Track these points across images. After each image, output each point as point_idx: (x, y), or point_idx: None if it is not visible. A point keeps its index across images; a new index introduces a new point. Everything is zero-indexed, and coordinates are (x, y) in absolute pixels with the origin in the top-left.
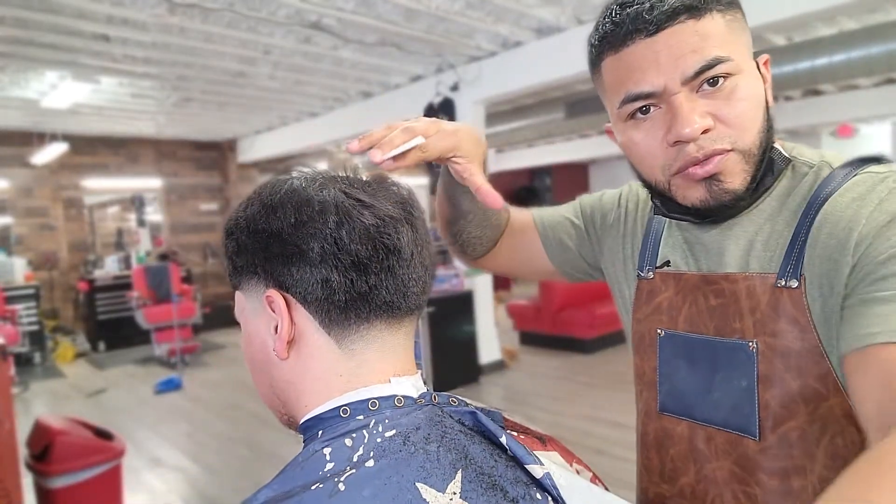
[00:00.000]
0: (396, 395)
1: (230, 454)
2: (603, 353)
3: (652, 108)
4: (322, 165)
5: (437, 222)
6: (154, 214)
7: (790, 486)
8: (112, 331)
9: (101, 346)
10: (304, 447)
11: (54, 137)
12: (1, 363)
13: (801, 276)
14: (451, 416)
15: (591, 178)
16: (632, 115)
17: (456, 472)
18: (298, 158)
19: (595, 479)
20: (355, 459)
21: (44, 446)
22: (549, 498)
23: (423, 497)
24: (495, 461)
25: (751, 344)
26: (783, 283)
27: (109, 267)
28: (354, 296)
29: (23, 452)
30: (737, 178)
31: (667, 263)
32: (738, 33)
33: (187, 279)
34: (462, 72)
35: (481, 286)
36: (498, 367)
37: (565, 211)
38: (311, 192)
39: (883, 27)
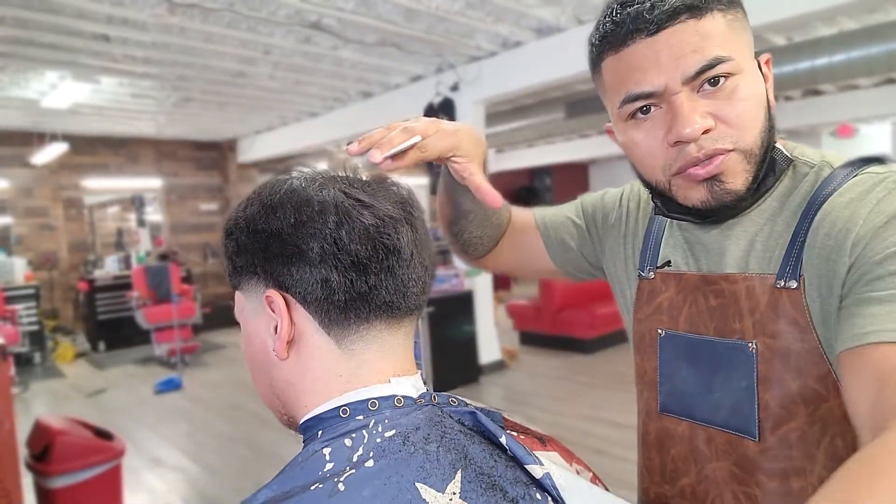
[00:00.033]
0: (396, 396)
1: (230, 454)
2: (603, 353)
3: (652, 108)
4: (322, 165)
5: (439, 222)
6: (154, 214)
7: (790, 487)
8: (112, 331)
9: (101, 346)
10: (303, 447)
11: (54, 137)
12: (1, 363)
13: (800, 276)
14: (450, 417)
15: (591, 178)
16: (632, 115)
17: (455, 473)
18: (298, 158)
19: (595, 479)
20: (355, 459)
21: (44, 446)
22: (549, 498)
23: (423, 497)
24: (495, 461)
25: (750, 345)
26: (782, 283)
27: (109, 267)
28: (354, 296)
29: (23, 452)
30: (738, 178)
31: (667, 263)
32: (739, 33)
33: (187, 279)
34: (462, 72)
35: (481, 286)
36: (498, 367)
37: (567, 210)
38: (310, 192)
39: (883, 27)
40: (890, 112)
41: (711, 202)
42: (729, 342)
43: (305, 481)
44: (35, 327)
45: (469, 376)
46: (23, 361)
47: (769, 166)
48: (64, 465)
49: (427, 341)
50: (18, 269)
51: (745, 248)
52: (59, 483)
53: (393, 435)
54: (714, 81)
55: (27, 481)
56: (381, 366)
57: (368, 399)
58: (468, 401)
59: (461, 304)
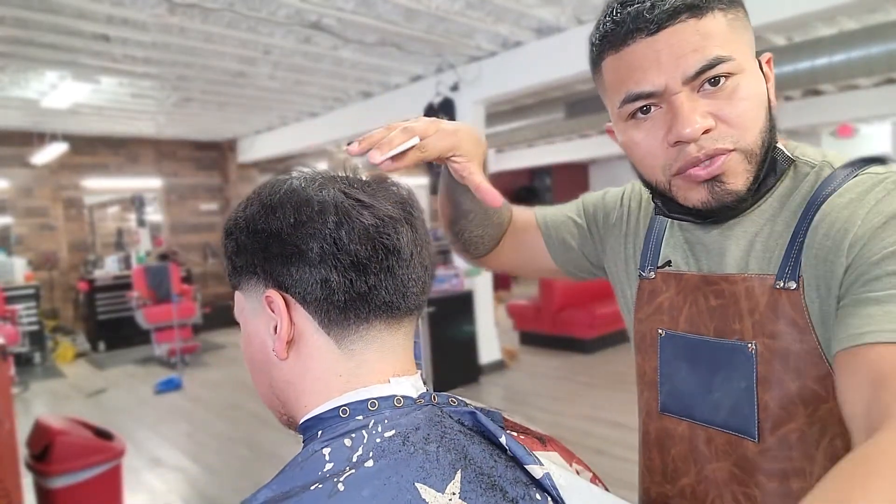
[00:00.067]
0: (396, 396)
1: (230, 454)
2: (603, 353)
3: (653, 108)
4: (322, 165)
5: (440, 221)
6: (154, 214)
7: (789, 487)
8: (112, 331)
9: (101, 346)
10: (303, 447)
11: (54, 137)
12: (1, 363)
13: (799, 277)
14: (450, 417)
15: (591, 178)
16: (632, 115)
17: (455, 473)
18: (298, 158)
19: (595, 479)
20: (354, 460)
21: (44, 446)
22: (549, 498)
23: (423, 497)
24: (495, 461)
25: (750, 345)
26: (781, 284)
27: (109, 267)
28: (354, 296)
29: (23, 452)
30: (739, 178)
31: (668, 263)
32: (739, 32)
33: (187, 279)
34: (462, 72)
35: (481, 286)
36: (498, 367)
37: (568, 210)
38: (310, 192)
39: (883, 27)
40: (890, 112)
41: (712, 203)
42: (728, 343)
43: (305, 481)
44: (35, 327)
45: (469, 376)
46: (23, 361)
47: (770, 166)
48: (64, 465)
49: (427, 341)
50: (18, 269)
51: (745, 248)
52: (59, 483)
53: (393, 435)
54: (714, 81)
55: (27, 481)
56: (381, 366)
57: (368, 399)
58: (468, 401)
59: (461, 304)
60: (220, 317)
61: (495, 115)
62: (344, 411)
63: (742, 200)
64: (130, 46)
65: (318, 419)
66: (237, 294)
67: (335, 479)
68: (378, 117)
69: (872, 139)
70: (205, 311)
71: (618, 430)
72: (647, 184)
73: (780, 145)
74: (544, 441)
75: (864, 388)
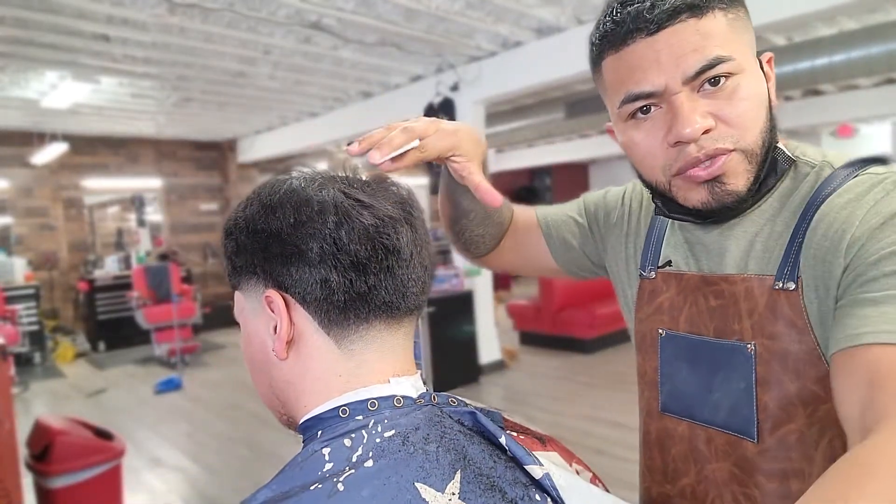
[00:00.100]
0: (396, 396)
1: (230, 454)
2: (603, 353)
3: (652, 108)
4: (322, 165)
5: (441, 221)
6: (154, 214)
7: (789, 488)
8: (112, 331)
9: (101, 346)
10: (303, 447)
11: (54, 137)
12: (1, 363)
13: (798, 278)
14: (450, 417)
15: (591, 178)
16: (632, 115)
17: (455, 473)
18: (298, 158)
19: (595, 479)
20: (354, 460)
21: (44, 446)
22: (549, 499)
23: (423, 497)
24: (494, 462)
25: (749, 346)
26: (780, 285)
27: (109, 267)
28: (353, 296)
29: (23, 452)
30: (739, 178)
31: (668, 263)
32: (740, 32)
33: (187, 279)
34: (462, 72)
35: (481, 286)
36: (498, 367)
37: (569, 209)
38: (310, 192)
39: (883, 27)
40: (890, 112)
41: (712, 203)
42: (728, 343)
43: (305, 481)
44: (35, 327)
45: (469, 376)
46: (23, 361)
47: (770, 166)
48: (64, 465)
49: (427, 341)
50: (18, 269)
51: (745, 248)
52: (59, 483)
53: (392, 435)
54: (714, 81)
55: (27, 481)
56: (381, 366)
57: (368, 399)
58: (468, 401)
59: (461, 304)
60: (220, 317)
61: (495, 115)
62: (344, 411)
63: (742, 201)
64: (130, 46)
65: (318, 419)
66: (237, 294)
67: (335, 479)
68: (378, 117)
69: (872, 139)
70: (205, 311)
71: (618, 430)
72: (647, 184)
73: (780, 145)
74: (544, 441)
75: (859, 389)
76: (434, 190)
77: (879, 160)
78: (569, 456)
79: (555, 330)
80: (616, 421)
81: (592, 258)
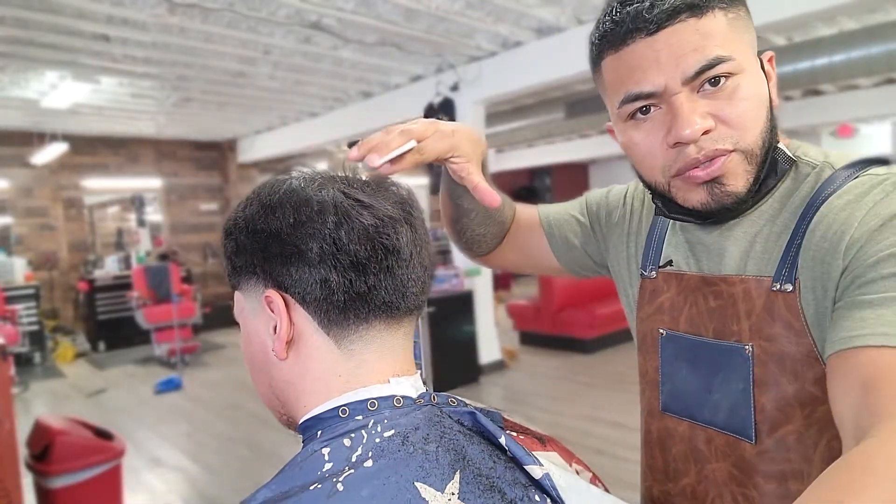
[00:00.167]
0: (395, 396)
1: (230, 454)
2: (603, 353)
3: (652, 109)
4: (322, 165)
5: (442, 220)
6: (154, 214)
7: (787, 489)
8: (112, 331)
9: (101, 346)
10: (302, 447)
11: (54, 137)
12: (1, 363)
13: (795, 279)
14: (449, 417)
15: (591, 178)
16: (632, 115)
17: (454, 473)
18: (298, 158)
19: (595, 479)
20: (354, 459)
21: (44, 446)
22: (548, 499)
23: (423, 496)
24: (494, 462)
25: (747, 347)
26: (778, 286)
27: (109, 267)
28: (353, 296)
29: (23, 452)
30: (739, 179)
31: (669, 263)
32: (740, 31)
33: (187, 279)
34: (462, 72)
35: (481, 286)
36: (498, 367)
37: (571, 208)
38: (309, 192)
39: (883, 27)
40: (890, 112)
41: (711, 204)
42: (726, 344)
43: (304, 481)
44: (35, 327)
45: (469, 376)
46: (23, 361)
47: (771, 167)
48: (64, 465)
49: (427, 341)
50: (18, 269)
51: (744, 249)
52: (59, 483)
53: (392, 435)
54: (714, 81)
55: (27, 481)
56: (381, 366)
57: (368, 399)
58: (467, 401)
59: (461, 304)
60: (220, 317)
61: (495, 115)
62: (343, 411)
63: (742, 202)
64: (130, 46)
65: (318, 419)
66: (237, 294)
67: (334, 479)
68: (378, 117)
69: (872, 139)
70: (205, 311)
71: (618, 430)
72: (647, 184)
73: (781, 145)
74: (544, 441)
75: (854, 390)
76: (434, 190)
77: (881, 161)
78: (569, 456)
79: (555, 330)
80: (616, 421)
81: (594, 257)
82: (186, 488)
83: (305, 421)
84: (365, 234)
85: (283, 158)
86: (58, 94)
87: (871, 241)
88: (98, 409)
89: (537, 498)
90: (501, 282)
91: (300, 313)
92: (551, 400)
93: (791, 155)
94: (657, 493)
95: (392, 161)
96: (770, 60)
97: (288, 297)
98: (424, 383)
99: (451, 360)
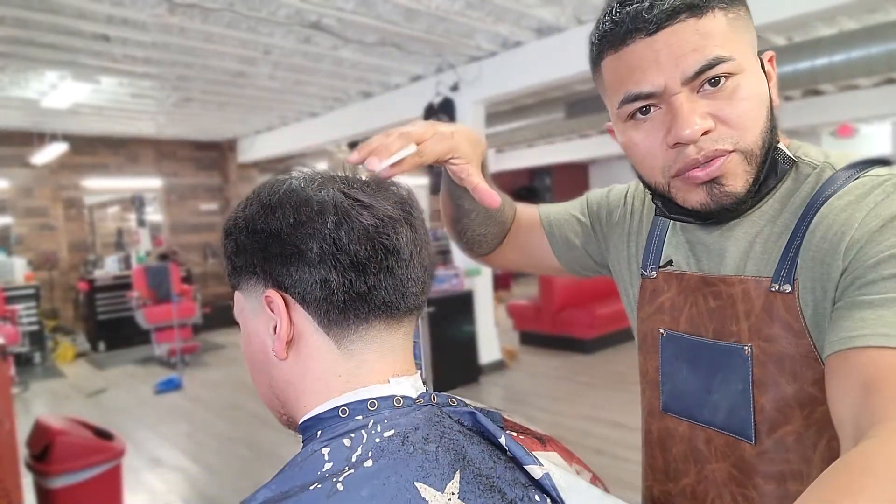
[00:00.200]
0: (395, 396)
1: (230, 454)
2: (603, 353)
3: (652, 109)
4: (322, 165)
5: (442, 220)
6: (154, 214)
7: (787, 490)
8: (112, 331)
9: (101, 346)
10: (302, 447)
11: (54, 137)
12: (1, 363)
13: (794, 280)
14: (449, 417)
15: (591, 178)
16: (632, 116)
17: (454, 473)
18: (298, 158)
19: (595, 479)
20: (354, 459)
21: (44, 446)
22: (548, 499)
23: (422, 496)
24: (494, 462)
25: (746, 348)
26: (777, 287)
27: (109, 267)
28: (353, 296)
29: (23, 452)
30: (738, 179)
31: (670, 263)
32: (740, 31)
33: (187, 279)
34: (462, 72)
35: (481, 286)
36: (498, 367)
37: (572, 208)
38: (309, 192)
39: (883, 27)
40: (890, 112)
41: (711, 205)
42: (726, 345)
43: (304, 481)
44: (35, 327)
45: (469, 376)
46: (23, 361)
47: (771, 167)
48: (64, 465)
49: (427, 341)
50: (18, 269)
51: (744, 249)
52: (59, 483)
53: (392, 435)
54: (714, 81)
55: (27, 481)
56: (381, 366)
57: (367, 399)
58: (467, 401)
59: (461, 304)
60: (220, 317)
61: (495, 115)
62: (343, 411)
63: (741, 202)
64: (130, 46)
65: (318, 419)
66: (237, 294)
67: (334, 479)
68: (378, 117)
69: (872, 139)
70: (205, 311)
71: (618, 430)
72: (646, 184)
73: (781, 146)
74: (544, 441)
75: (853, 391)
76: (434, 190)
77: (882, 162)
78: (569, 456)
79: (555, 330)
80: (616, 421)
81: (595, 257)
82: (186, 488)
83: (305, 421)
84: (365, 234)
85: (283, 158)
86: (58, 94)
87: (871, 241)
88: (98, 409)
89: (537, 498)
90: (501, 282)
91: (300, 313)
92: (551, 400)
93: (791, 155)
94: (657, 493)
95: (392, 165)
96: (770, 60)
97: (288, 297)
98: (424, 383)
99: (451, 360)
